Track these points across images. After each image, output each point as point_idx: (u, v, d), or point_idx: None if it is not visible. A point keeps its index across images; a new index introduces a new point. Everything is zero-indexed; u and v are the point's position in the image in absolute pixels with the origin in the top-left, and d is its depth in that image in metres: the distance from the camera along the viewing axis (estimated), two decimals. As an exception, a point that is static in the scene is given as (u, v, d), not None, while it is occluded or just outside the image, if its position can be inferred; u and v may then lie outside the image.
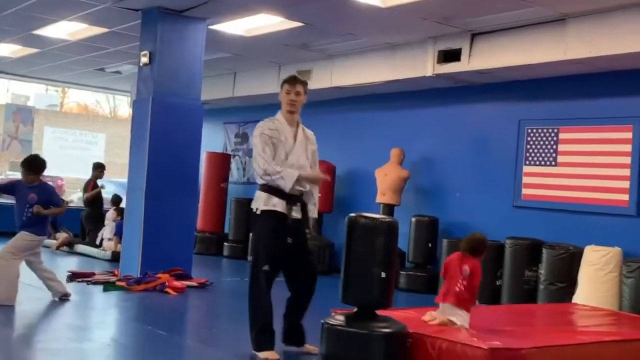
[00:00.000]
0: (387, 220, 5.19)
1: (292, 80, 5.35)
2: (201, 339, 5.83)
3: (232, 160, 13.40)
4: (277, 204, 5.10)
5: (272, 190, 5.11)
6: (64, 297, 6.84)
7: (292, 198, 5.14)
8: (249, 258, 4.97)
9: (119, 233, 10.83)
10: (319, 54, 10.34)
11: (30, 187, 6.66)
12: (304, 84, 5.39)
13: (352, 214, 5.11)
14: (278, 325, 5.19)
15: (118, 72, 12.96)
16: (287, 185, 5.04)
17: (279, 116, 5.32)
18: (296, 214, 5.13)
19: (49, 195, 6.78)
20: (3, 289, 6.36)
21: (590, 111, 8.38)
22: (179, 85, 8.65)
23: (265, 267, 5.05)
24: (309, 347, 5.26)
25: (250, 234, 5.26)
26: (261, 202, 5.13)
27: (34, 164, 6.77)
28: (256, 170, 5.19)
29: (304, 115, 5.47)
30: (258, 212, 5.13)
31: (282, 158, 5.16)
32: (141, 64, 8.71)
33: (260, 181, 5.19)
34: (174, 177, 8.50)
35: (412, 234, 9.50)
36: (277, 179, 5.04)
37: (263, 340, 5.05)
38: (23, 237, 6.60)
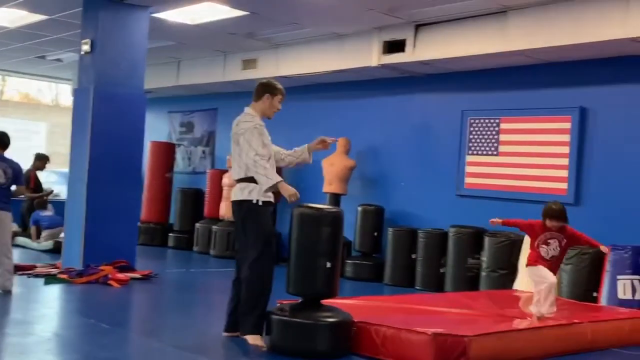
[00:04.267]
0: (331, 210, 5.23)
1: (284, 92, 5.53)
2: (145, 332, 5.78)
3: (177, 149, 13.26)
4: (270, 195, 5.30)
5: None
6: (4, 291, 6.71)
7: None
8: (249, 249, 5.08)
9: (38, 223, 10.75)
10: (264, 43, 10.30)
11: None
12: None
13: (298, 205, 5.13)
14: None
15: (59, 60, 12.69)
16: (266, 184, 5.13)
17: (254, 112, 5.42)
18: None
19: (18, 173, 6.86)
20: None
21: (530, 102, 8.56)
22: (121, 73, 8.51)
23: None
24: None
25: (237, 223, 5.28)
26: (256, 193, 5.22)
27: (6, 137, 6.93)
28: (248, 162, 5.19)
29: (249, 103, 5.50)
30: (260, 204, 5.23)
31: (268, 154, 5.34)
32: (82, 52, 8.54)
33: (245, 175, 5.25)
34: (116, 167, 8.38)
35: (358, 222, 9.58)
36: (262, 175, 5.13)
37: (256, 323, 5.14)
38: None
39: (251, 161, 5.15)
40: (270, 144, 5.40)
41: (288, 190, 5.13)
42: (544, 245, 5.97)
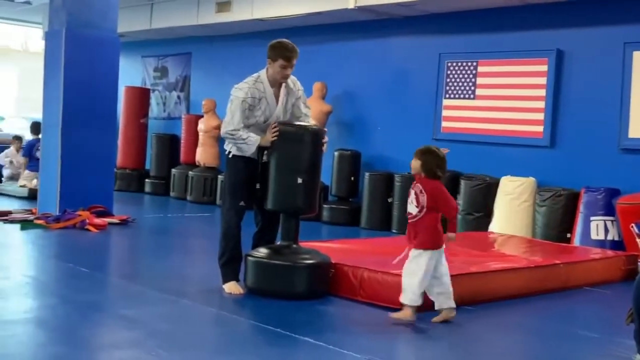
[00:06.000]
0: (311, 127, 5.19)
1: (289, 56, 5.05)
2: (124, 275, 5.79)
3: (151, 95, 13.10)
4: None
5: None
6: None
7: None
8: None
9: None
10: (239, -15, 10.11)
11: None
12: (297, 54, 5.13)
13: (278, 124, 5.10)
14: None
15: (28, 3, 12.36)
16: (249, 150, 5.05)
17: (263, 77, 5.14)
18: (266, 157, 5.13)
19: None
20: None
21: (507, 44, 8.53)
22: (93, 16, 8.32)
23: (242, 203, 5.14)
24: None
25: (220, 175, 5.26)
26: (232, 147, 5.14)
27: None
28: (222, 129, 5.14)
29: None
30: (230, 156, 5.17)
31: (261, 121, 5.13)
32: (53, -6, 8.33)
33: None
34: (90, 112, 8.26)
35: (335, 167, 9.59)
36: (241, 144, 5.04)
37: (227, 272, 5.14)
38: None
39: (229, 136, 5.07)
40: (270, 115, 5.14)
41: (266, 140, 5.05)
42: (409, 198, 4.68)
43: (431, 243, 4.56)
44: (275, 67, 5.08)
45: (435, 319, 4.61)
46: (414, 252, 4.59)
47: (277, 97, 5.20)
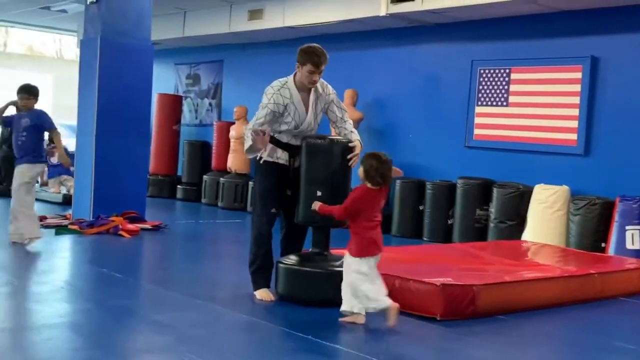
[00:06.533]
0: (339, 140, 5.14)
1: (317, 61, 4.95)
2: (156, 281, 5.84)
3: (184, 102, 13.21)
4: (281, 157, 5.13)
5: (275, 141, 5.09)
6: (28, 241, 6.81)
7: (294, 149, 5.11)
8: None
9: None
10: (271, -7, 10.16)
11: (24, 114, 6.93)
12: (327, 60, 5.02)
13: (306, 137, 5.10)
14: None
15: (64, 11, 12.54)
16: (244, 149, 5.02)
17: (291, 82, 5.08)
18: (297, 163, 5.10)
19: (43, 119, 6.95)
20: (25, 225, 6.70)
21: (541, 51, 8.45)
22: (127, 24, 8.43)
23: (273, 210, 5.13)
24: None
25: (251, 182, 5.25)
26: (265, 152, 5.08)
27: (35, 89, 7.02)
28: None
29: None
30: (260, 162, 5.11)
31: (292, 127, 5.07)
32: (88, 2, 8.46)
33: None
34: (124, 119, 8.37)
35: (366, 174, 9.55)
36: (246, 139, 4.99)
37: (258, 279, 5.13)
38: (23, 171, 6.81)
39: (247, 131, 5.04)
40: (300, 122, 5.10)
41: (255, 144, 4.89)
42: None
43: (356, 251, 4.55)
44: (304, 71, 5.01)
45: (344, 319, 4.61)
46: (346, 258, 4.60)
47: (306, 102, 5.13)
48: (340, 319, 4.60)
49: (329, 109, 5.25)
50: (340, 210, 4.64)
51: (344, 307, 4.58)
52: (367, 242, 4.56)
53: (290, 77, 5.12)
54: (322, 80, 5.19)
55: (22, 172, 6.82)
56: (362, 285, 4.50)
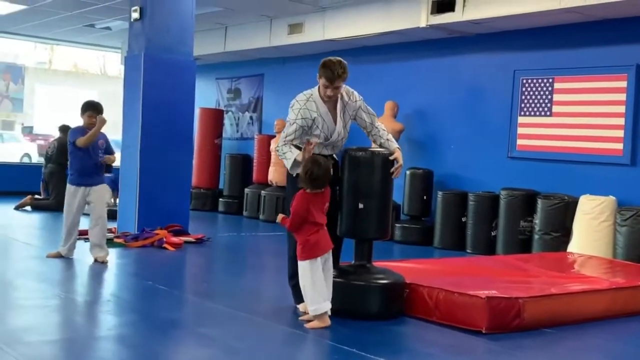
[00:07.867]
0: (381, 152, 5.11)
1: (330, 77, 4.88)
2: (200, 293, 5.89)
3: (225, 116, 13.34)
4: None
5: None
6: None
7: (327, 158, 5.07)
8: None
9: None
10: (311, 6, 10.22)
11: (101, 135, 6.88)
12: (345, 76, 4.92)
13: (347, 149, 5.10)
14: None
15: (108, 29, 12.80)
16: (287, 165, 5.00)
17: (316, 94, 5.03)
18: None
19: (108, 141, 6.99)
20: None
21: (584, 60, 8.34)
22: (170, 40, 8.57)
23: None
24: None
25: (286, 193, 5.26)
26: (297, 166, 4.99)
27: (99, 105, 7.01)
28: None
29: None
30: (294, 175, 5.03)
31: (322, 139, 5.02)
32: (132, 20, 8.61)
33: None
34: (168, 133, 8.49)
35: (407, 186, 9.54)
36: (283, 159, 5.02)
37: (299, 293, 5.06)
38: (104, 191, 6.99)
39: (277, 152, 5.06)
40: (330, 133, 5.03)
41: (302, 157, 4.87)
42: None
43: (300, 255, 4.67)
44: (320, 84, 4.99)
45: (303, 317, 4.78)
46: (299, 264, 4.71)
47: (334, 113, 5.06)
48: (305, 325, 4.66)
49: (357, 116, 5.19)
50: (289, 223, 4.71)
51: (311, 308, 4.67)
52: (310, 245, 4.64)
53: (315, 89, 5.07)
54: (347, 87, 5.14)
55: (104, 194, 6.95)
56: (313, 286, 4.63)
